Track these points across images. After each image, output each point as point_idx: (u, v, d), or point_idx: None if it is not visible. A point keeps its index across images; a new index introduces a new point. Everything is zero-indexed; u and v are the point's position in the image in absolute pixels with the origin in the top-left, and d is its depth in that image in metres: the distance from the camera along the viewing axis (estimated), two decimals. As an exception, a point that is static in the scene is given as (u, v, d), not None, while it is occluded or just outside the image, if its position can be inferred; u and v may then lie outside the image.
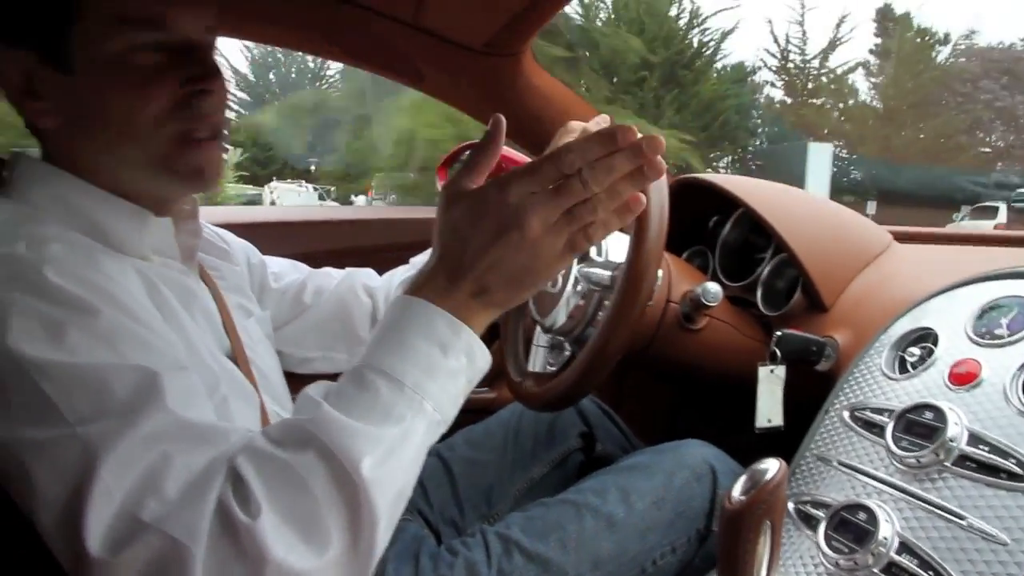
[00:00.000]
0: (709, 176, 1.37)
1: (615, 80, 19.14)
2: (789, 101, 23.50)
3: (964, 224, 14.93)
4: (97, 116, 0.75)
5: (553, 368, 1.15)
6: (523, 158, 1.57)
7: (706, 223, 1.43)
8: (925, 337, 0.91)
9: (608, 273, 1.06)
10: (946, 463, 0.76)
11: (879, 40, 24.13)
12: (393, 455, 0.60)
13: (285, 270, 1.17)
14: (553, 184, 0.63)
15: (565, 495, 1.04)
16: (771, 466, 0.73)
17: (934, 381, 0.85)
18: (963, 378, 0.82)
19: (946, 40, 23.93)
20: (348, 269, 1.21)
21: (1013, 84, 22.33)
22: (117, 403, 0.61)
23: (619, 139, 0.61)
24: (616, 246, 1.12)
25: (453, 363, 0.65)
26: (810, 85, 23.25)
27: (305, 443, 0.59)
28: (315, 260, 1.24)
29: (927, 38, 23.93)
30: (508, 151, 1.60)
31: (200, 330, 0.83)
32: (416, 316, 0.65)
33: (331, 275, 1.19)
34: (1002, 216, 14.79)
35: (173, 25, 0.75)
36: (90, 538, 0.56)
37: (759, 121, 24.03)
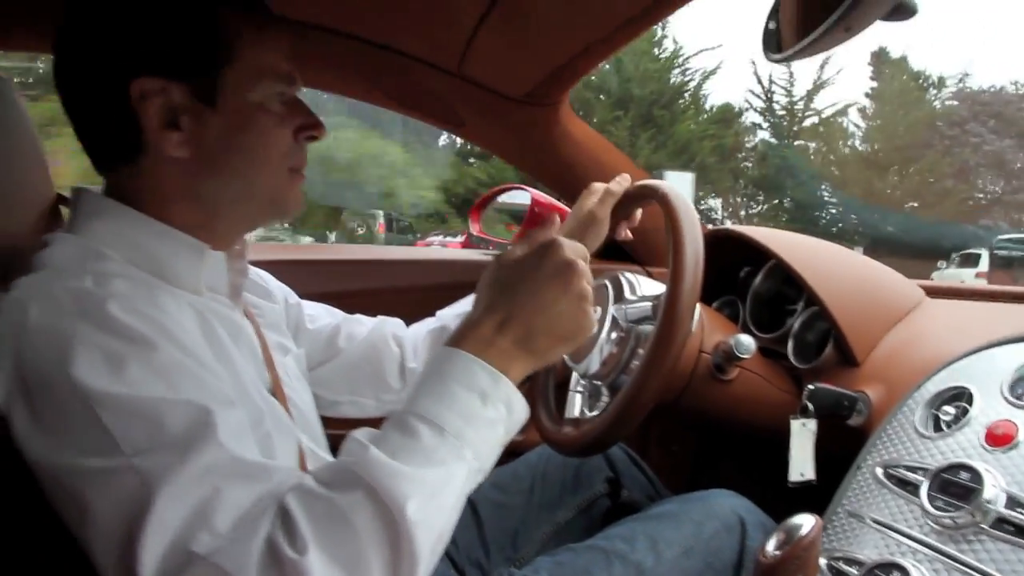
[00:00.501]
0: (741, 228, 1.39)
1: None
2: (775, 143, 23.05)
3: (947, 273, 14.61)
4: (230, 150, 0.81)
5: (590, 414, 1.16)
6: (559, 204, 1.60)
7: (737, 273, 1.44)
8: (960, 396, 0.91)
9: (648, 304, 1.07)
10: (983, 525, 0.75)
11: (875, 84, 23.76)
12: (435, 498, 0.63)
13: (319, 313, 1.19)
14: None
15: (594, 541, 1.04)
16: (806, 522, 0.73)
17: (970, 441, 0.84)
18: (1000, 439, 0.82)
19: (940, 84, 23.53)
20: (380, 317, 1.23)
21: (1001, 128, 21.66)
22: (172, 437, 0.63)
23: None
24: (648, 283, 1.14)
25: (492, 413, 0.69)
26: (795, 128, 22.78)
27: (352, 484, 0.61)
28: (337, 299, 1.26)
29: (920, 81, 23.54)
30: (542, 196, 1.64)
31: (246, 365, 0.85)
32: (457, 366, 0.70)
33: (362, 322, 1.22)
34: (984, 264, 14.37)
35: (295, 83, 0.86)
36: (144, 567, 0.58)
37: (747, 164, 23.53)
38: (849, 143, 23.62)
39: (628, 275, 1.16)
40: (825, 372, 1.16)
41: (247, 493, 0.62)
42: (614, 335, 1.11)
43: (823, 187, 22.01)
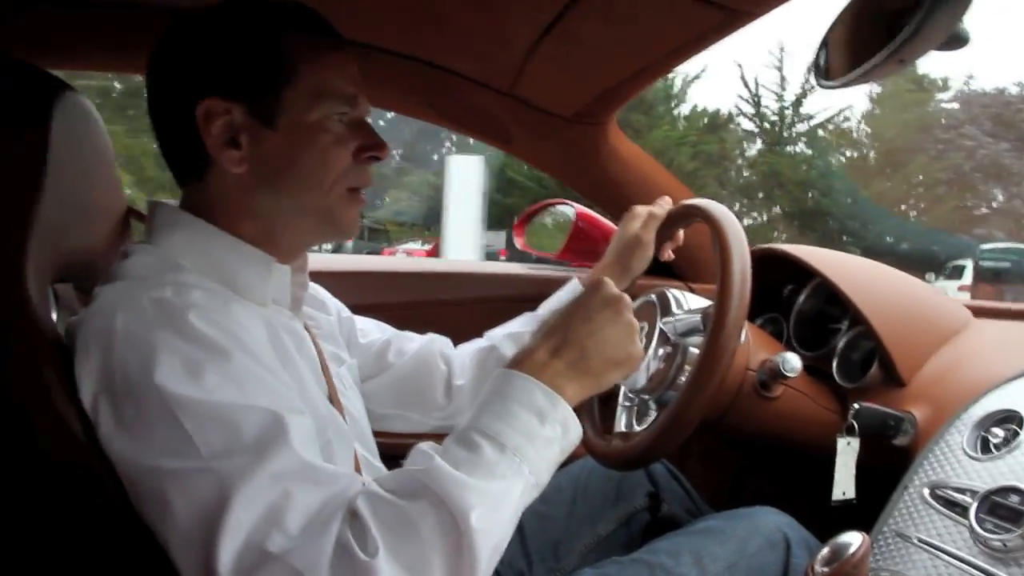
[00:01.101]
0: (786, 246, 1.40)
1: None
2: (760, 147, 21.58)
3: (936, 285, 13.87)
4: (288, 169, 0.85)
5: (638, 428, 1.18)
6: (604, 220, 1.63)
7: (781, 291, 1.45)
8: (1010, 419, 0.92)
9: (697, 317, 1.09)
10: (1033, 549, 0.76)
11: (880, 88, 22.08)
12: (497, 509, 0.67)
13: (370, 328, 1.22)
14: None
15: (638, 554, 1.05)
16: (854, 540, 0.74)
17: (1020, 464, 0.85)
18: (1051, 464, 0.82)
19: (945, 86, 22.09)
20: (429, 335, 1.26)
21: (999, 131, 19.88)
22: (247, 441, 0.67)
23: None
24: (694, 298, 1.15)
25: (549, 432, 0.74)
26: (786, 134, 21.11)
27: (419, 492, 0.65)
28: (388, 311, 1.29)
29: (923, 83, 22.10)
30: (587, 211, 1.66)
31: (309, 375, 0.89)
32: (517, 387, 0.75)
33: (412, 338, 1.24)
34: (967, 277, 13.72)
35: (358, 105, 0.88)
36: (222, 565, 0.62)
37: (733, 173, 22.13)
38: (841, 149, 22.26)
39: (674, 291, 1.18)
40: (870, 391, 1.17)
41: (316, 497, 0.66)
42: (661, 351, 1.13)
43: (811, 194, 20.51)
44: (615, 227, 1.65)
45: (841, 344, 1.26)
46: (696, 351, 1.09)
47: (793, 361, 1.09)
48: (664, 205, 1.20)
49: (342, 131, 0.86)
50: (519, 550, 1.24)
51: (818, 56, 0.81)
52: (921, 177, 20.98)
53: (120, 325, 0.71)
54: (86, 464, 0.70)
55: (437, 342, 1.24)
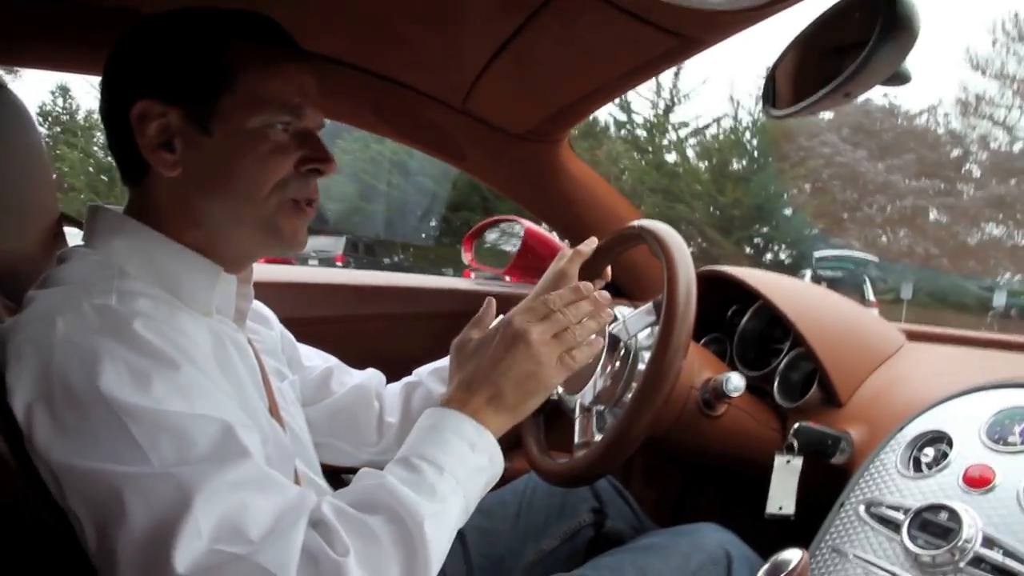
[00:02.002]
0: (730, 268, 1.43)
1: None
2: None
3: None
4: (223, 175, 0.83)
5: (599, 437, 1.18)
6: (551, 238, 1.64)
7: (725, 312, 1.48)
8: (939, 439, 0.95)
9: (647, 309, 1.11)
10: (960, 564, 0.79)
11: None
12: (443, 524, 0.72)
13: (313, 355, 1.21)
14: (543, 316, 0.86)
15: (582, 571, 1.06)
16: (793, 556, 0.76)
17: (949, 483, 0.88)
18: (977, 482, 0.86)
19: None
20: (369, 370, 1.25)
21: (857, 138, 20.15)
22: (200, 452, 0.67)
23: (583, 291, 0.88)
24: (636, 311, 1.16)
25: (480, 460, 0.79)
26: (656, 141, 20.30)
27: (376, 506, 0.70)
28: (329, 323, 1.27)
29: None
30: (537, 230, 1.68)
31: (252, 388, 0.88)
32: (449, 420, 0.80)
33: (352, 373, 1.24)
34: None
35: (303, 114, 0.86)
36: (178, 566, 0.61)
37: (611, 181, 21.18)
38: (703, 159, 21.02)
39: (618, 307, 1.19)
40: (809, 411, 1.20)
41: (271, 506, 0.67)
42: (609, 368, 1.14)
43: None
44: (563, 245, 1.67)
45: (782, 365, 1.30)
46: (641, 368, 1.11)
47: (736, 381, 1.11)
48: (590, 244, 1.18)
49: (284, 141, 0.85)
50: (462, 565, 1.24)
51: (767, 86, 0.83)
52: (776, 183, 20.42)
53: (60, 332, 0.69)
54: (8, 470, 0.68)
55: (375, 379, 1.24)
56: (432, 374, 1.22)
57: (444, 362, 1.22)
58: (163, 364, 0.70)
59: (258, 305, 1.10)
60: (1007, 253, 19.35)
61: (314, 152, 0.87)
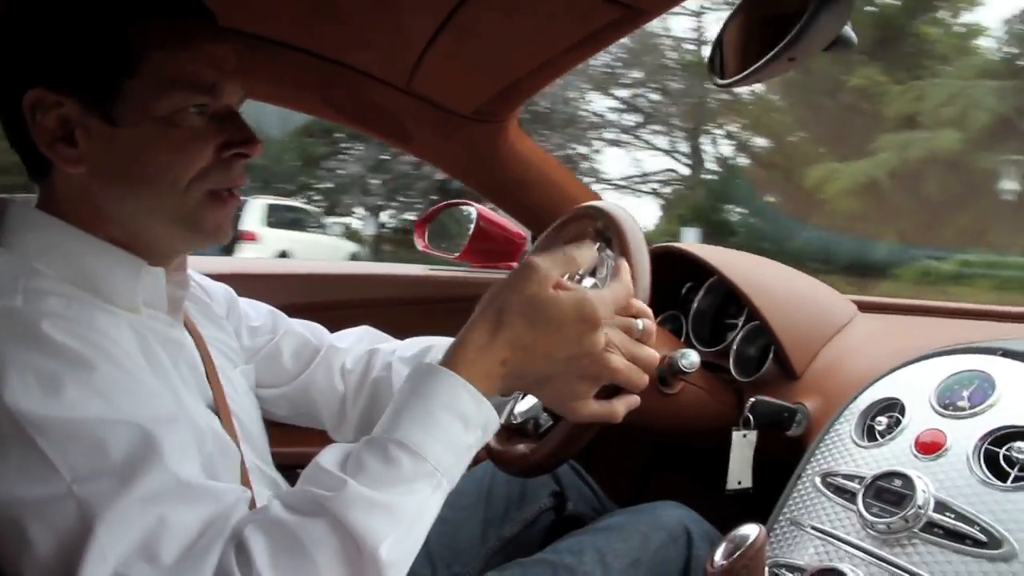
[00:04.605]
0: (684, 244, 1.43)
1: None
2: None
3: None
4: (135, 170, 0.77)
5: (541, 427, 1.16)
6: (505, 221, 1.62)
7: (679, 289, 1.47)
8: (892, 407, 0.96)
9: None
10: (915, 529, 0.79)
11: None
12: (411, 532, 0.64)
13: (262, 327, 1.14)
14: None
15: (542, 555, 1.05)
16: (751, 531, 0.76)
17: (902, 450, 0.89)
18: (929, 447, 0.86)
19: None
20: (324, 348, 1.16)
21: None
22: (114, 462, 0.61)
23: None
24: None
25: (470, 438, 0.69)
26: None
27: (318, 514, 0.61)
28: (300, 313, 1.23)
29: None
30: (488, 211, 1.65)
31: (187, 385, 0.83)
32: (442, 387, 0.69)
33: (306, 342, 1.15)
34: None
35: (220, 92, 0.79)
36: None
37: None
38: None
39: None
40: (765, 385, 1.21)
41: (196, 518, 0.61)
42: None
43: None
44: (517, 228, 1.65)
45: (737, 340, 1.30)
46: None
47: (691, 357, 1.11)
48: None
49: (201, 125, 0.77)
50: (423, 556, 1.20)
51: (713, 55, 0.82)
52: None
53: None
54: None
55: (335, 357, 1.16)
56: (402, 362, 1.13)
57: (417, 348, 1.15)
58: (76, 366, 0.65)
59: (203, 288, 1.04)
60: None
61: (237, 134, 0.79)
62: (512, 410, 1.17)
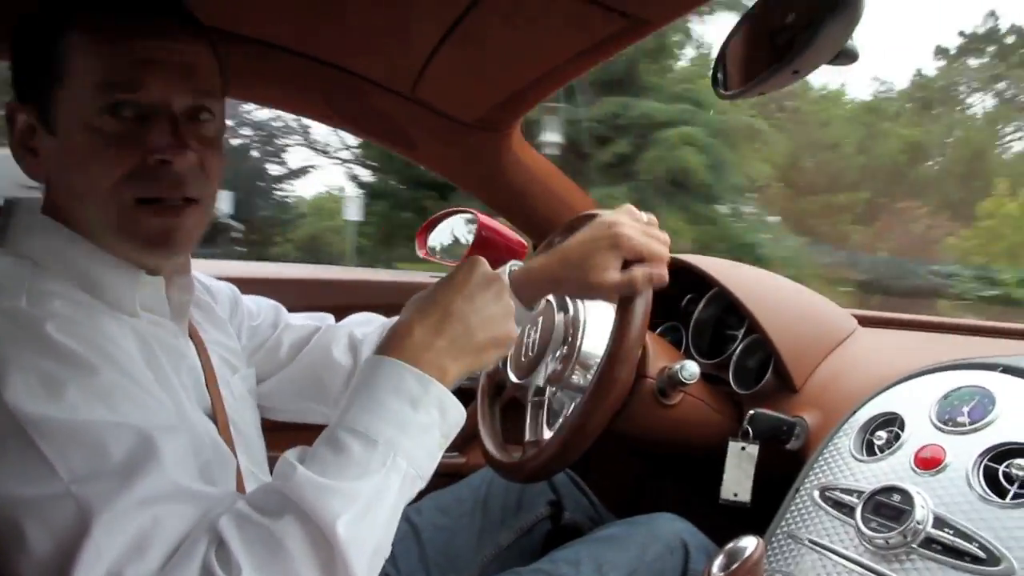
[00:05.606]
0: (685, 256, 1.43)
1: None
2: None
3: None
4: (73, 178, 0.77)
5: (548, 434, 1.16)
6: (506, 230, 1.62)
7: (680, 301, 1.47)
8: (891, 421, 0.96)
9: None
10: (913, 545, 0.79)
11: None
12: (369, 512, 0.63)
13: (264, 324, 1.16)
14: None
15: (539, 565, 1.05)
16: (749, 544, 0.75)
17: (901, 465, 0.89)
18: (928, 463, 0.86)
19: None
20: (323, 327, 1.19)
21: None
22: (113, 464, 0.62)
23: None
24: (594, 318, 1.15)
25: (424, 418, 0.69)
26: None
27: (281, 506, 0.61)
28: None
29: None
30: (489, 220, 1.65)
31: (187, 392, 0.83)
32: (386, 374, 0.69)
33: (305, 327, 1.18)
34: None
35: (146, 87, 0.74)
36: None
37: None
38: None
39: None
40: (765, 398, 1.20)
41: (186, 520, 0.62)
42: (558, 352, 1.13)
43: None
44: (518, 237, 1.65)
45: (737, 352, 1.30)
46: (590, 351, 1.09)
47: (691, 368, 1.11)
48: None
49: (121, 130, 0.74)
50: (418, 562, 1.22)
51: (716, 68, 0.82)
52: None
53: None
54: None
55: (336, 334, 1.17)
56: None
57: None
58: (79, 369, 0.65)
59: (207, 289, 1.05)
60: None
61: (158, 139, 0.75)
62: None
